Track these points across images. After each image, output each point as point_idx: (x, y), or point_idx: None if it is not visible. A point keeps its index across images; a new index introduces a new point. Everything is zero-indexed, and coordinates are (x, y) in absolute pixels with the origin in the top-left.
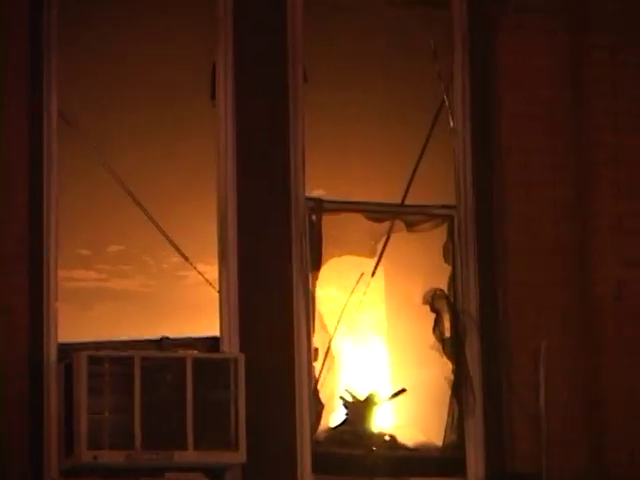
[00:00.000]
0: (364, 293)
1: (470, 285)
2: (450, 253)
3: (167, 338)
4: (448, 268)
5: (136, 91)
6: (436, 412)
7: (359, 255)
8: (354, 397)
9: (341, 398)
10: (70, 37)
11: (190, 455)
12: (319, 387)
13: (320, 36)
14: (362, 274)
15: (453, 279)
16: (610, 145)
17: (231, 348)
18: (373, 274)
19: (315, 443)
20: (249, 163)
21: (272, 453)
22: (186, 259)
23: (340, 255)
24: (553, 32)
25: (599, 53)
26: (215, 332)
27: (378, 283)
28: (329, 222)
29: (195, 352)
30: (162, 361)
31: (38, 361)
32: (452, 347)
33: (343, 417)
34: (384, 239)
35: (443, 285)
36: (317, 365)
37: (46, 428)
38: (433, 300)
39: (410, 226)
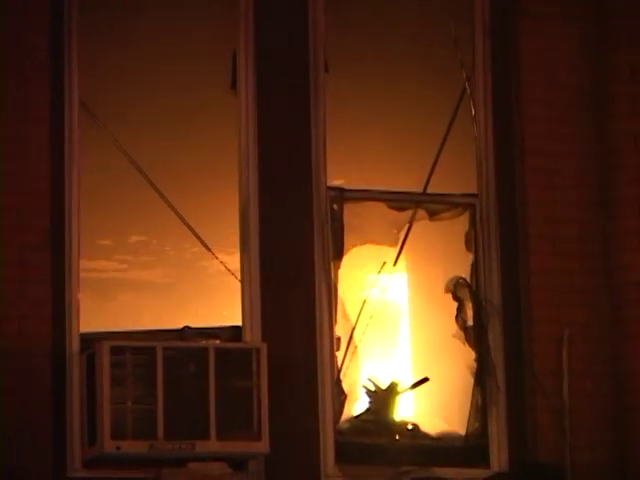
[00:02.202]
0: (386, 282)
1: (492, 273)
2: (472, 241)
3: (189, 328)
4: (470, 256)
5: (157, 80)
6: (459, 401)
7: (381, 244)
8: (377, 386)
9: (364, 387)
10: (90, 26)
11: (213, 445)
12: (341, 376)
13: (341, 24)
14: (384, 263)
15: (475, 267)
16: (632, 131)
17: (253, 338)
18: (395, 263)
19: (338, 432)
20: (270, 152)
21: (295, 443)
22: (208, 249)
23: (362, 244)
24: (574, 18)
25: (619, 38)
26: (237, 322)
27: (400, 272)
28: (351, 211)
29: (217, 342)
30: (184, 351)
31: (60, 351)
32: (475, 335)
33: (366, 406)
34: (406, 228)
35: (465, 273)
36: (339, 354)
37: (69, 418)
38: (455, 288)
39: (432, 214)
